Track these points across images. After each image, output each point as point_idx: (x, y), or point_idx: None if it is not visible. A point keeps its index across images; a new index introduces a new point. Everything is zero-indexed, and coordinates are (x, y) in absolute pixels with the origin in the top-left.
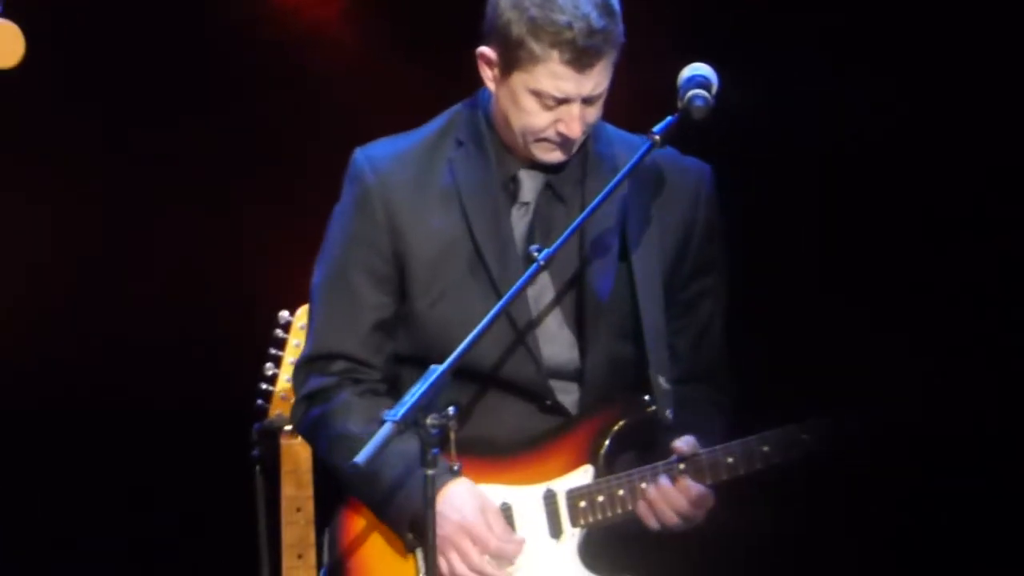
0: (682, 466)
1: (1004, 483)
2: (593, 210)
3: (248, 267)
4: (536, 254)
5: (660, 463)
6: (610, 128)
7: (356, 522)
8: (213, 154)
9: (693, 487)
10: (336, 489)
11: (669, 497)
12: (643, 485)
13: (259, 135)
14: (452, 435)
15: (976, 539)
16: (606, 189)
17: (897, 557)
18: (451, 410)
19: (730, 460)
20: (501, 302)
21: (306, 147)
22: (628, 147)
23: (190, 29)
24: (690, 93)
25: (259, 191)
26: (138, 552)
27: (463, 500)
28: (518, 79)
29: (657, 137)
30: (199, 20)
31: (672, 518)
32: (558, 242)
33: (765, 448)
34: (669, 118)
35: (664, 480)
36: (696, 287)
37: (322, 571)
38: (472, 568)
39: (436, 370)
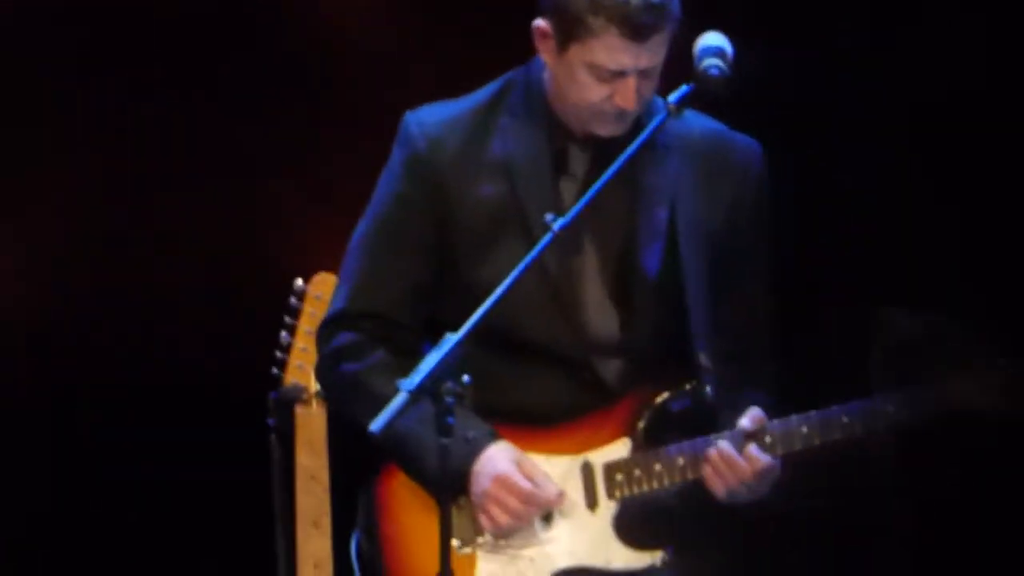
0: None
1: None
2: (606, 182)
3: (262, 236)
4: (552, 223)
5: (726, 432)
6: (661, 103)
7: (392, 484)
8: (224, 118)
9: (760, 458)
10: (371, 452)
11: (734, 465)
12: (680, 460)
13: (273, 97)
14: (467, 403)
15: None
16: (619, 160)
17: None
18: (465, 379)
19: (804, 430)
20: (514, 273)
21: (324, 113)
22: (678, 122)
23: None
24: (705, 62)
25: (273, 158)
26: (152, 521)
27: (497, 456)
28: (575, 53)
29: (673, 107)
30: None
31: (735, 486)
32: (572, 212)
33: (845, 419)
34: (684, 87)
35: (728, 447)
36: (743, 266)
37: (355, 534)
38: (513, 515)
39: (451, 339)
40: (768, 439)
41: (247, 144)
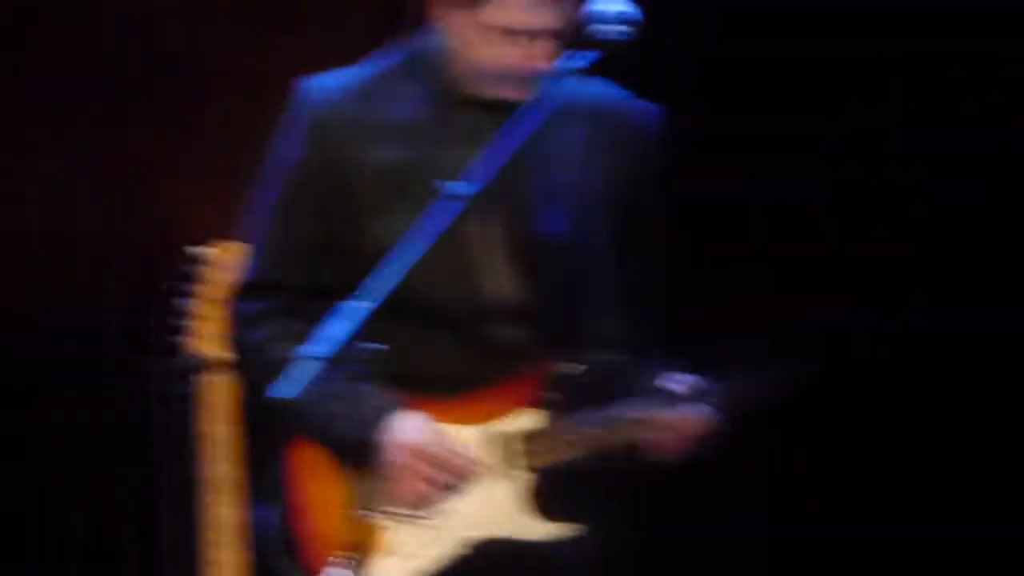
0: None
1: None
2: (514, 147)
3: (154, 203)
4: (453, 190)
5: (637, 398)
6: (561, 67)
7: (298, 453)
8: (118, 82)
9: (687, 413)
10: (278, 420)
11: (661, 422)
12: (590, 429)
13: (165, 63)
14: (375, 370)
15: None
16: (522, 125)
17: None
18: (375, 346)
19: (739, 388)
20: (421, 240)
21: (216, 77)
22: (577, 87)
23: None
24: (610, 27)
25: (166, 124)
26: (55, 491)
27: (408, 425)
28: (486, 14)
29: (576, 72)
30: None
31: (666, 443)
32: (475, 177)
33: (745, 387)
34: (589, 53)
35: (654, 409)
36: (641, 231)
37: (261, 503)
38: (429, 482)
39: (357, 307)
40: (702, 397)
41: (136, 116)
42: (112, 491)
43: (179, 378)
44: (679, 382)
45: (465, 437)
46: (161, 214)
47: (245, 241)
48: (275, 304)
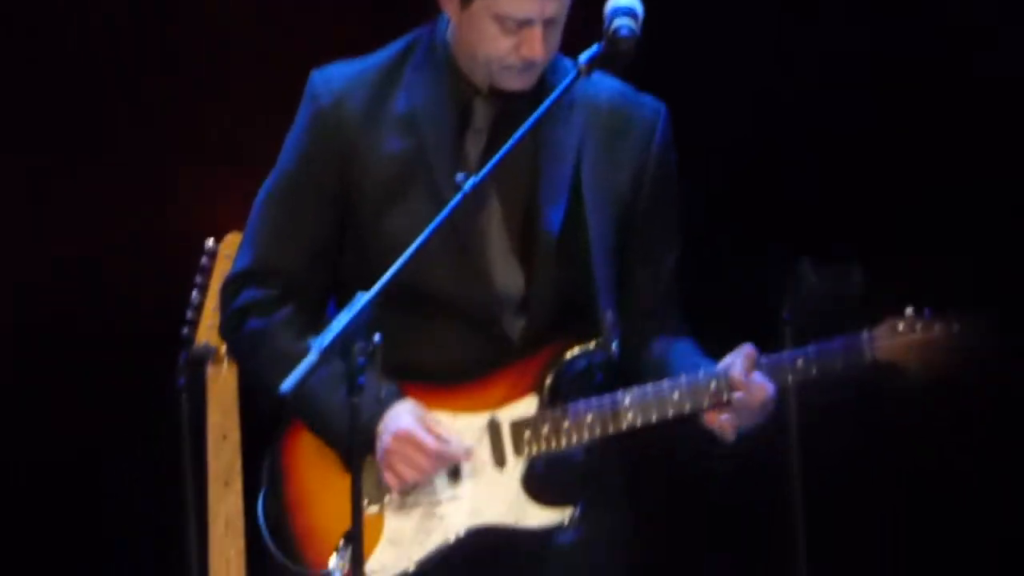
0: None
1: None
2: (518, 140)
3: (172, 196)
4: (463, 183)
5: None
6: (567, 61)
7: (298, 443)
8: (128, 82)
9: (766, 385)
10: (278, 410)
11: (749, 390)
12: (589, 417)
13: (174, 56)
14: (378, 362)
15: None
16: (529, 120)
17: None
18: (376, 338)
19: (800, 363)
20: (426, 231)
21: (230, 74)
22: (584, 81)
23: None
24: (615, 23)
25: (184, 120)
26: (62, 482)
27: (400, 414)
28: (480, 5)
29: (583, 67)
30: None
31: (745, 413)
32: (483, 171)
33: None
34: (594, 47)
35: (739, 375)
36: (649, 225)
37: (262, 491)
38: (417, 470)
39: (363, 297)
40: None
41: (153, 109)
42: (142, 482)
43: (193, 369)
44: (748, 355)
45: (462, 425)
46: (185, 210)
47: (246, 231)
48: (272, 292)
